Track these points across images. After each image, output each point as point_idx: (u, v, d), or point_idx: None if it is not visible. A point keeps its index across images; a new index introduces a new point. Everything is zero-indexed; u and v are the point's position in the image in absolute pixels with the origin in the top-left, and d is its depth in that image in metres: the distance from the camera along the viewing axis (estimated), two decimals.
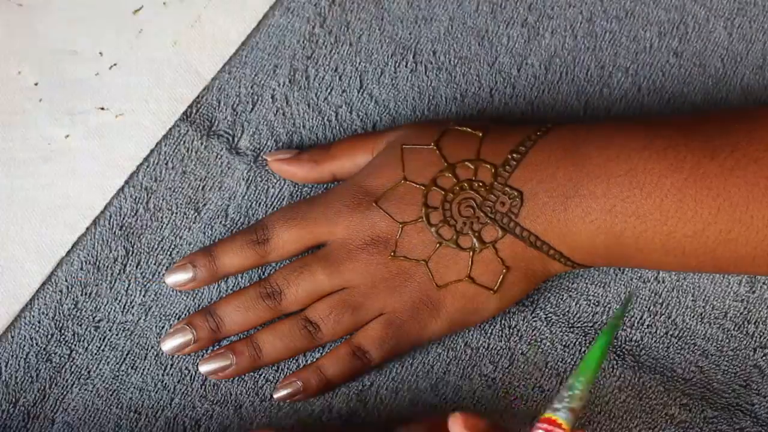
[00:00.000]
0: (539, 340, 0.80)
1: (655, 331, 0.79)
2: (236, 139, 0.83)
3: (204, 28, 0.85)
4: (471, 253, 0.76)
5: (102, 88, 0.84)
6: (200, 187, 0.82)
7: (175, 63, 0.84)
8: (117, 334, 0.80)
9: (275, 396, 0.79)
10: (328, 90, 0.84)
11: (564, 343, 0.79)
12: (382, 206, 0.77)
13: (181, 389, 0.80)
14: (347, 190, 0.78)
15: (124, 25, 0.85)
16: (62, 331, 0.80)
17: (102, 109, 0.83)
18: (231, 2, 0.85)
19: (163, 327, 0.80)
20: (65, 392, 0.79)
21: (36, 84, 0.84)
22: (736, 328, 0.79)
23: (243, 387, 0.80)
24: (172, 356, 0.80)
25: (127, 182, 0.82)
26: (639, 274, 0.80)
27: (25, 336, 0.79)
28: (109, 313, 0.80)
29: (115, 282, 0.81)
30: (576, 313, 0.80)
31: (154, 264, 0.81)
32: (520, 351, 0.79)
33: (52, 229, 0.81)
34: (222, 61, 0.85)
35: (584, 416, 0.71)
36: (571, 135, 0.76)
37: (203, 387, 0.80)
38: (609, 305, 0.80)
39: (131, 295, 0.81)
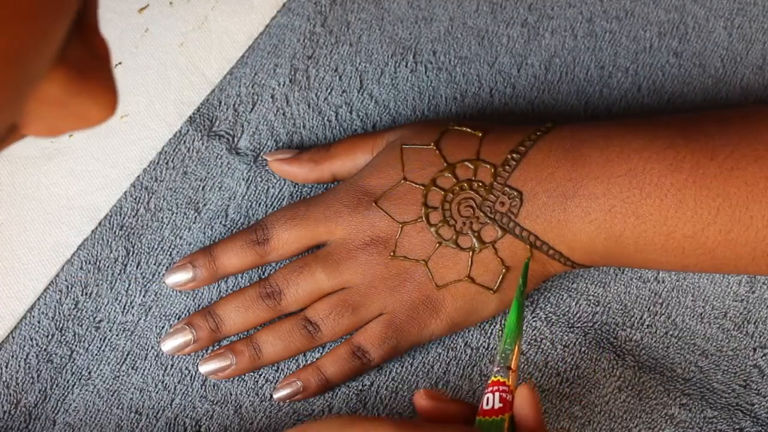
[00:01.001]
0: (539, 340, 0.79)
1: (655, 331, 0.79)
2: (236, 139, 0.83)
3: (211, 29, 0.85)
4: (471, 253, 0.76)
5: None
6: (200, 187, 0.82)
7: (182, 65, 0.84)
8: (117, 335, 0.80)
9: (275, 396, 0.79)
10: (329, 90, 0.84)
11: (564, 343, 0.79)
12: (381, 206, 0.77)
13: (181, 389, 0.80)
14: (347, 190, 0.78)
15: (129, 23, 0.84)
16: (62, 331, 0.80)
17: None
18: (238, 4, 0.85)
19: (163, 327, 0.81)
20: (66, 393, 0.79)
21: None
22: (736, 328, 0.79)
23: (243, 387, 0.80)
24: (172, 356, 0.80)
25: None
26: (639, 274, 0.80)
27: (25, 336, 0.79)
28: (109, 313, 0.80)
29: (115, 282, 0.81)
30: (576, 313, 0.80)
31: (155, 264, 0.81)
32: (520, 351, 0.79)
33: (56, 229, 0.81)
34: (229, 64, 0.84)
35: (521, 378, 0.71)
36: (570, 135, 0.76)
37: (203, 387, 0.80)
38: (609, 305, 0.80)
39: (131, 296, 0.81)
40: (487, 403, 0.66)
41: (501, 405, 0.66)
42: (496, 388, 0.67)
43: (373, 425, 0.64)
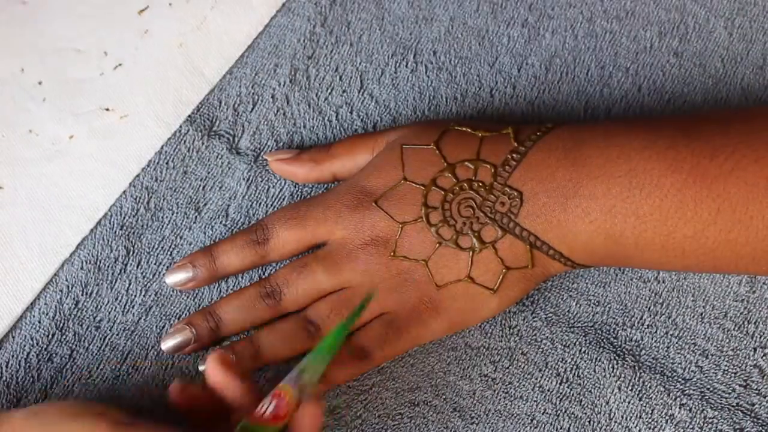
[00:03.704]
0: (539, 340, 0.79)
1: (655, 331, 0.79)
2: (237, 139, 0.83)
3: (210, 30, 0.85)
4: (471, 253, 0.76)
5: (107, 89, 0.84)
6: (201, 187, 0.82)
7: (181, 65, 0.84)
8: (117, 334, 0.80)
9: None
10: (329, 90, 0.84)
11: (564, 343, 0.79)
12: (382, 206, 0.77)
13: None
14: (347, 190, 0.78)
15: (130, 25, 0.85)
16: (63, 331, 0.80)
17: (107, 110, 0.83)
18: (237, 4, 0.85)
19: (163, 327, 0.80)
20: (67, 392, 0.79)
21: (40, 83, 0.84)
22: (736, 328, 0.79)
23: None
24: (173, 356, 0.80)
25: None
26: (639, 274, 0.80)
27: (25, 336, 0.79)
28: (109, 312, 0.80)
29: (115, 282, 0.81)
30: (576, 313, 0.80)
31: (155, 264, 0.81)
32: (520, 351, 0.79)
33: (56, 229, 0.81)
34: (228, 64, 0.85)
35: (313, 392, 0.70)
36: (571, 135, 0.76)
37: (203, 387, 0.80)
38: (609, 305, 0.80)
39: (132, 295, 0.81)
40: (261, 408, 0.66)
41: (271, 416, 0.65)
42: (277, 397, 0.66)
43: (94, 420, 0.65)
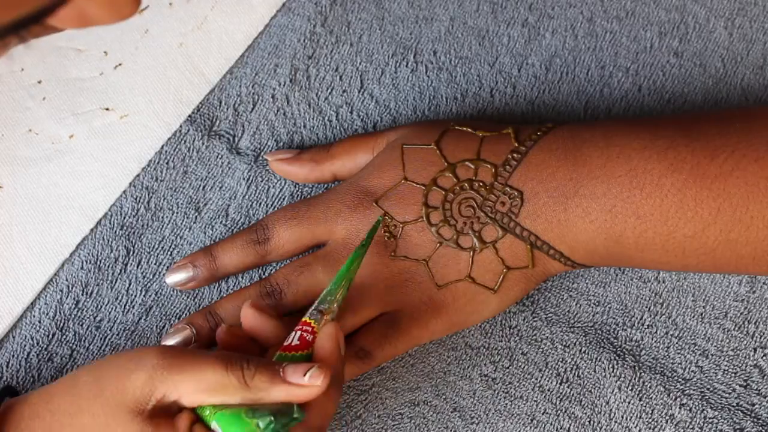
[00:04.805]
0: (539, 340, 0.79)
1: (655, 331, 0.79)
2: (237, 139, 0.83)
3: (210, 30, 0.85)
4: (471, 253, 0.76)
5: (107, 88, 0.84)
6: (201, 187, 0.82)
7: (181, 64, 0.84)
8: (118, 334, 0.80)
9: None
10: (329, 90, 0.84)
11: (564, 343, 0.79)
12: (382, 206, 0.77)
13: None
14: (348, 189, 0.78)
15: (130, 24, 0.84)
16: (63, 331, 0.80)
17: (107, 109, 0.83)
18: (237, 4, 0.85)
19: (163, 327, 0.80)
20: None
21: (39, 82, 0.84)
22: (736, 328, 0.79)
23: None
24: None
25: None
26: (639, 274, 0.80)
27: (26, 336, 0.79)
28: (110, 312, 0.80)
29: (115, 281, 0.81)
30: (576, 313, 0.80)
31: (155, 263, 0.81)
32: (520, 351, 0.79)
33: (55, 229, 0.81)
34: (228, 64, 0.84)
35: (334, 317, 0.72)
36: (571, 135, 0.76)
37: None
38: (609, 305, 0.80)
39: (132, 295, 0.81)
40: (287, 340, 0.70)
41: (298, 343, 0.69)
42: (300, 327, 0.70)
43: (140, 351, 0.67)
